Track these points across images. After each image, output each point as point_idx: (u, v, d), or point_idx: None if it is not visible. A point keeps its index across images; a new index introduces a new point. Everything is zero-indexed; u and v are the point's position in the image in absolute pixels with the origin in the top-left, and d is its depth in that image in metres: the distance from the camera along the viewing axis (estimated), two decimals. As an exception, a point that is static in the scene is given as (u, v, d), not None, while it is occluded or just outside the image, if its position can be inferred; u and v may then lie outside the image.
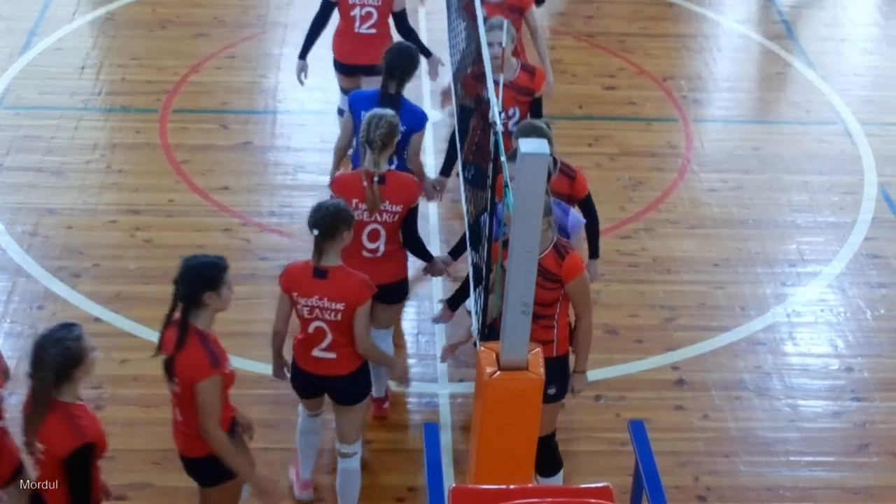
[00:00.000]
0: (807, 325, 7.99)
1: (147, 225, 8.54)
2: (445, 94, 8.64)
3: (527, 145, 4.60)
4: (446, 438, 6.92)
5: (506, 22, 7.22)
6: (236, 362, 7.21)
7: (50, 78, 10.21)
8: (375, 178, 6.40)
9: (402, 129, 6.65)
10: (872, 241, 8.75)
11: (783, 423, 7.21)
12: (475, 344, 5.68)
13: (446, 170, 7.59)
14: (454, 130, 7.40)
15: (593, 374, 7.35)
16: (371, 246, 6.56)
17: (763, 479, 6.84)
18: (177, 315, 5.45)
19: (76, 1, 11.43)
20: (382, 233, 6.52)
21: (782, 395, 7.39)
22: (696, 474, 6.84)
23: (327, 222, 5.82)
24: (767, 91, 10.60)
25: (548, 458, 6.20)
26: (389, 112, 6.54)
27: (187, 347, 5.37)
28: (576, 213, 6.42)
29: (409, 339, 7.67)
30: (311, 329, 5.99)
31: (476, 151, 6.60)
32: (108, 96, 10.01)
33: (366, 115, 6.54)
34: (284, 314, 6.09)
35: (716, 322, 7.93)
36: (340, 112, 8.78)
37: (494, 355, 5.08)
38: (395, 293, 6.75)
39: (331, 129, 8.97)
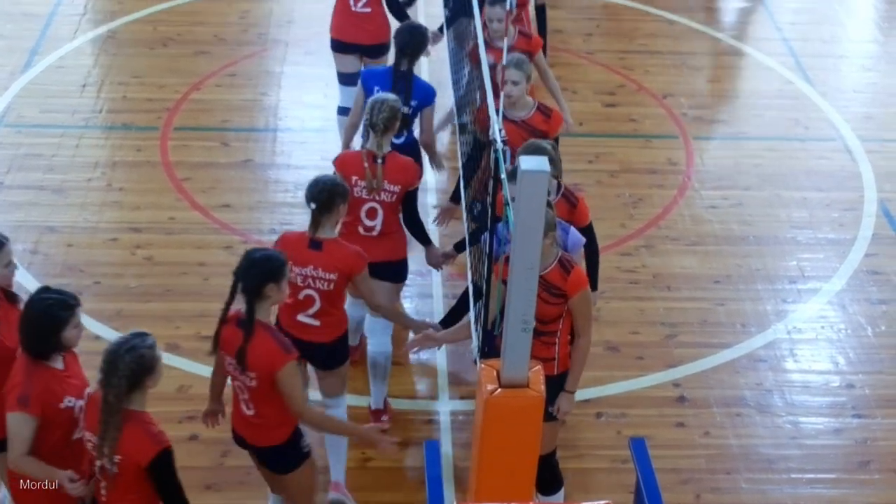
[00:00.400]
0: (807, 341, 7.99)
1: (148, 243, 8.54)
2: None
3: (527, 162, 4.61)
4: (447, 456, 6.91)
5: (522, 58, 7.16)
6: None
7: (51, 96, 10.23)
8: (378, 160, 6.64)
9: (413, 103, 7.17)
10: (873, 258, 8.75)
11: (784, 440, 7.20)
12: (475, 361, 5.68)
13: (456, 196, 7.39)
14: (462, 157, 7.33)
15: (594, 392, 7.36)
16: (369, 224, 6.78)
17: (765, 496, 6.83)
18: (232, 311, 5.56)
19: (77, 19, 11.46)
20: (380, 211, 6.74)
21: (783, 412, 7.39)
22: (697, 492, 6.83)
23: (324, 196, 6.07)
24: (767, 108, 10.61)
25: (548, 475, 6.19)
26: (392, 97, 6.81)
27: (256, 340, 5.47)
28: (576, 233, 6.42)
29: (409, 356, 7.66)
30: (301, 296, 6.19)
31: (484, 189, 6.49)
32: (109, 114, 10.03)
33: (370, 100, 6.79)
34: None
35: (716, 339, 7.93)
36: (341, 111, 8.87)
37: (495, 373, 5.07)
38: (391, 272, 6.91)
39: (331, 147, 8.98)
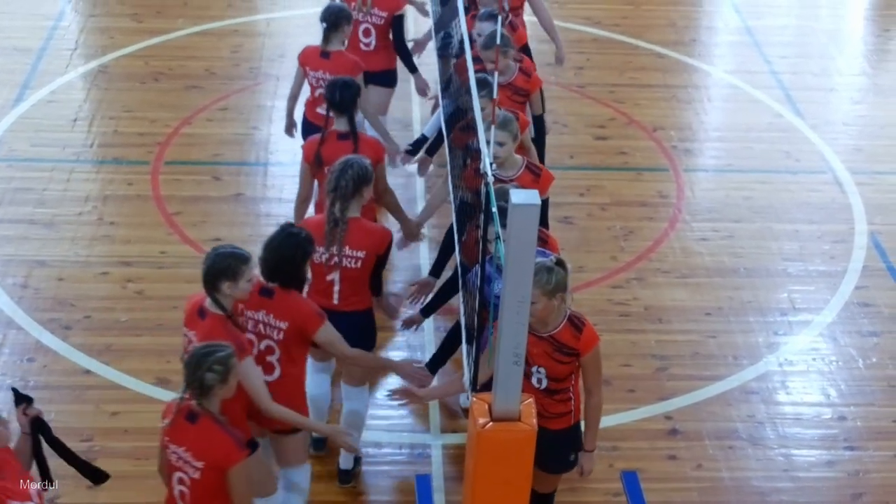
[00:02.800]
0: (799, 374, 7.98)
1: (139, 276, 8.53)
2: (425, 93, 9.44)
3: (518, 196, 4.62)
4: (439, 490, 6.88)
5: (509, 118, 6.95)
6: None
7: (42, 130, 10.24)
8: None
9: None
10: (863, 290, 8.76)
11: (777, 472, 7.18)
12: (467, 396, 5.66)
13: (437, 270, 7.34)
14: (450, 228, 7.18)
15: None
16: (365, 40, 8.78)
17: (757, 529, 6.81)
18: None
19: (69, 54, 11.48)
20: (373, 31, 8.77)
21: (776, 445, 7.38)
22: (690, 525, 6.81)
23: (332, 18, 8.02)
24: (757, 141, 10.65)
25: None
26: None
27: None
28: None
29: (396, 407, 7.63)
30: (317, 94, 8.07)
31: (470, 251, 6.37)
32: (100, 148, 10.04)
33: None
34: (297, 84, 8.44)
35: (708, 371, 7.93)
36: None
37: (487, 406, 5.06)
38: (384, 79, 8.91)
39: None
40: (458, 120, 7.35)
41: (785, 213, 9.61)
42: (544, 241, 6.57)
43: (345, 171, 6.35)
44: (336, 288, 6.45)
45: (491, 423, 5.01)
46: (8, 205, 9.25)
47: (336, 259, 6.36)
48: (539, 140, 8.30)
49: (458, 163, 7.20)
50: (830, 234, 9.36)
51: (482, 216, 5.34)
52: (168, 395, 7.40)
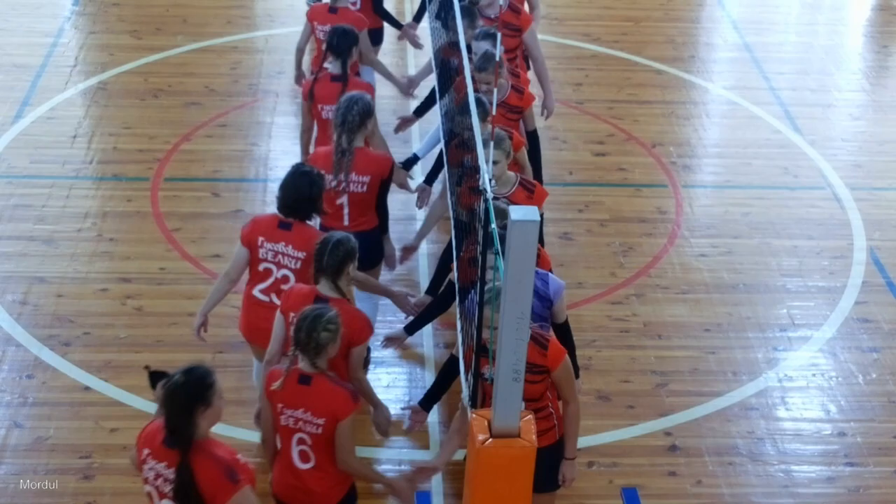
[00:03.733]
0: (799, 389, 7.98)
1: (138, 293, 8.53)
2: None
3: (517, 212, 4.62)
4: (438, 506, 6.87)
5: (501, 136, 6.96)
6: (226, 430, 7.21)
7: (42, 147, 10.25)
8: None
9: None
10: (863, 306, 8.76)
11: (777, 488, 7.17)
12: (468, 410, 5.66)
13: (433, 290, 7.36)
14: (447, 245, 7.29)
15: (585, 441, 7.32)
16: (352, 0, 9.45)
17: (757, 545, 6.80)
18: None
19: (69, 71, 11.50)
20: None
21: (776, 461, 7.37)
22: (690, 541, 6.80)
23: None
24: (756, 157, 10.67)
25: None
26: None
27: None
28: (555, 279, 6.41)
29: (400, 407, 7.63)
30: (324, 48, 8.12)
31: (468, 270, 6.38)
32: (99, 165, 10.05)
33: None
34: (304, 38, 9.21)
35: (708, 387, 7.92)
36: None
37: (486, 422, 5.06)
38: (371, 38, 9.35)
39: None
40: (454, 138, 7.37)
41: (784, 229, 9.62)
42: (529, 191, 6.75)
43: (351, 107, 7.06)
44: (345, 211, 7.17)
45: (490, 440, 5.00)
46: (7, 221, 9.26)
47: (344, 185, 7.08)
48: (534, 156, 8.31)
49: (454, 180, 7.22)
50: (829, 250, 9.37)
51: (479, 233, 5.34)
52: (167, 412, 7.40)
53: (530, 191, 7.09)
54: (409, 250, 7.88)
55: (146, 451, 4.92)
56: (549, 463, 5.91)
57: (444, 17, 8.70)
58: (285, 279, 6.51)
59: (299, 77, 9.58)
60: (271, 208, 9.52)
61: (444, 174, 7.92)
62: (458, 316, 6.31)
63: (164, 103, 11.04)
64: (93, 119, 10.75)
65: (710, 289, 8.87)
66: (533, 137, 8.33)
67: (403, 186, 8.26)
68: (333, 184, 7.04)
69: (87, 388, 7.62)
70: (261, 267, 6.58)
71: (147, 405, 7.47)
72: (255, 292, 6.66)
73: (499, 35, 6.07)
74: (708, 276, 9.01)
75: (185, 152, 10.28)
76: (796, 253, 9.34)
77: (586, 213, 9.70)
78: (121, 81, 11.40)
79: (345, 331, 5.68)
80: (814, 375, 8.09)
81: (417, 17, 10.42)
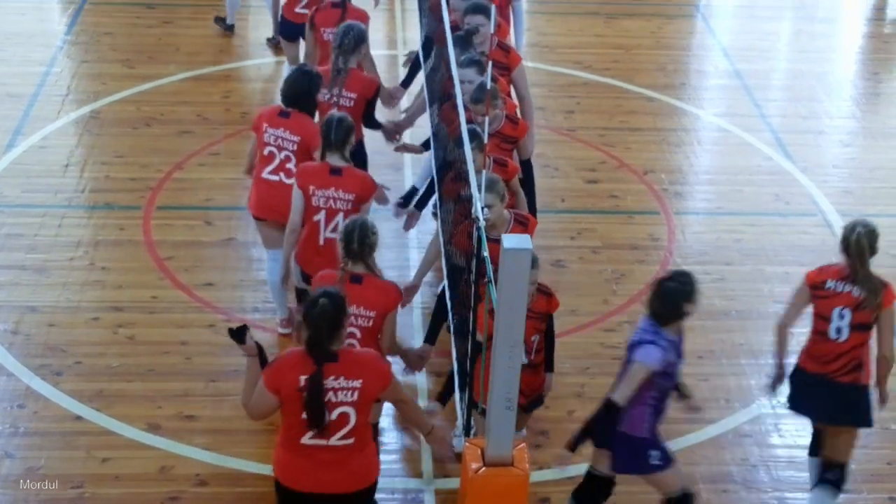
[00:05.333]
0: (792, 416, 7.92)
1: (130, 322, 8.51)
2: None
3: (509, 241, 4.63)
4: (432, 535, 6.85)
5: (494, 179, 6.96)
6: (217, 460, 7.19)
7: (34, 176, 10.25)
8: None
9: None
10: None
11: (771, 516, 7.16)
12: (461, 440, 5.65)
13: (431, 338, 7.31)
14: (441, 291, 7.34)
15: (580, 468, 7.30)
16: None
17: (752, 573, 6.77)
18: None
19: (61, 100, 11.52)
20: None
21: (770, 488, 7.35)
22: (684, 569, 6.75)
23: None
24: (747, 184, 10.69)
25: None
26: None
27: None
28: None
29: (393, 435, 7.62)
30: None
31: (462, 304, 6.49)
32: (91, 194, 10.04)
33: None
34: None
35: (701, 414, 7.89)
36: None
37: (479, 451, 5.05)
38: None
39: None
40: (448, 171, 7.39)
41: (776, 256, 9.63)
42: (549, 296, 6.78)
43: (347, 32, 8.36)
44: None
45: (484, 468, 5.00)
46: (-1, 250, 9.26)
47: (335, 99, 8.27)
48: (528, 184, 8.33)
49: (448, 217, 7.25)
50: (821, 277, 9.36)
51: (475, 262, 5.35)
52: (160, 441, 7.38)
53: (524, 225, 7.17)
54: (411, 290, 7.73)
55: (304, 377, 5.40)
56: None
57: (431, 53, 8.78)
58: (287, 159, 7.75)
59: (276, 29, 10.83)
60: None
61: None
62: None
63: (157, 132, 11.06)
64: (85, 148, 10.75)
65: (702, 316, 8.83)
66: (527, 166, 8.35)
67: (382, 201, 8.04)
68: (327, 97, 8.25)
69: (78, 418, 7.59)
70: (265, 151, 7.84)
71: (139, 435, 7.46)
72: (265, 174, 7.89)
73: (489, 64, 6.10)
74: (700, 302, 8.99)
75: (178, 181, 10.28)
76: (788, 279, 9.33)
77: (578, 240, 9.71)
78: (113, 110, 11.41)
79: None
80: (807, 402, 8.08)
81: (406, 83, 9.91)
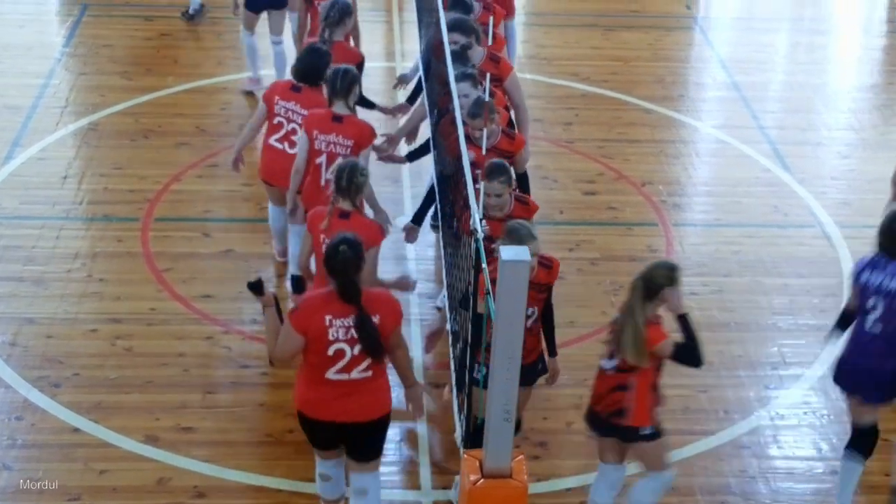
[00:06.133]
0: (791, 428, 7.96)
1: (128, 333, 8.50)
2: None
3: (507, 252, 4.63)
4: (430, 548, 6.84)
5: (500, 165, 7.19)
6: (215, 472, 7.18)
7: (32, 188, 10.24)
8: None
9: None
10: (854, 344, 8.75)
11: (770, 528, 7.15)
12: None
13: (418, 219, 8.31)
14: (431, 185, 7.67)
15: (578, 480, 7.31)
16: None
17: (751, 585, 6.76)
18: None
19: (59, 112, 11.52)
20: None
21: (768, 500, 7.34)
22: (683, 582, 6.75)
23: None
24: (746, 195, 10.69)
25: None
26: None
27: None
28: None
29: (392, 447, 7.61)
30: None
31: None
32: (89, 206, 10.04)
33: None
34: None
35: (699, 426, 7.90)
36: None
37: (478, 463, 5.05)
38: None
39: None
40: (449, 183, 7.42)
41: (774, 267, 9.63)
42: (549, 268, 6.85)
43: (333, 6, 8.98)
44: None
45: (482, 480, 4.99)
46: (-3, 262, 9.25)
47: None
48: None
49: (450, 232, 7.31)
50: (820, 288, 9.38)
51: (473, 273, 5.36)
52: (157, 453, 7.37)
53: (524, 203, 7.48)
54: (392, 140, 8.93)
55: (329, 317, 5.94)
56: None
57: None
58: (293, 132, 8.36)
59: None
60: (261, 248, 9.58)
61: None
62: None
63: (155, 144, 11.06)
64: (83, 160, 10.75)
65: (700, 327, 8.75)
66: (523, 179, 8.38)
67: (382, 153, 8.96)
68: None
69: (76, 430, 7.58)
70: (275, 120, 8.49)
71: (137, 447, 7.45)
72: (272, 141, 8.54)
73: (488, 75, 6.13)
74: (699, 314, 8.98)
75: (176, 192, 10.28)
76: (787, 291, 9.35)
77: (577, 252, 9.71)
78: (111, 122, 11.42)
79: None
80: (805, 414, 8.08)
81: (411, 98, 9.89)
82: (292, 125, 8.42)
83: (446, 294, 7.09)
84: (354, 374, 6.03)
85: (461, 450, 5.56)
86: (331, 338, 5.95)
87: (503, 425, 4.90)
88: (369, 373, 6.06)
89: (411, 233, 8.55)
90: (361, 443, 6.27)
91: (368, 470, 6.38)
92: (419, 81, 9.65)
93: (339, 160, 7.48)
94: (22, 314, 8.66)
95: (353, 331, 5.94)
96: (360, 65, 8.88)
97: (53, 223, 9.76)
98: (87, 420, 7.67)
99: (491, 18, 9.17)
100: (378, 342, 5.96)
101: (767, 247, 9.94)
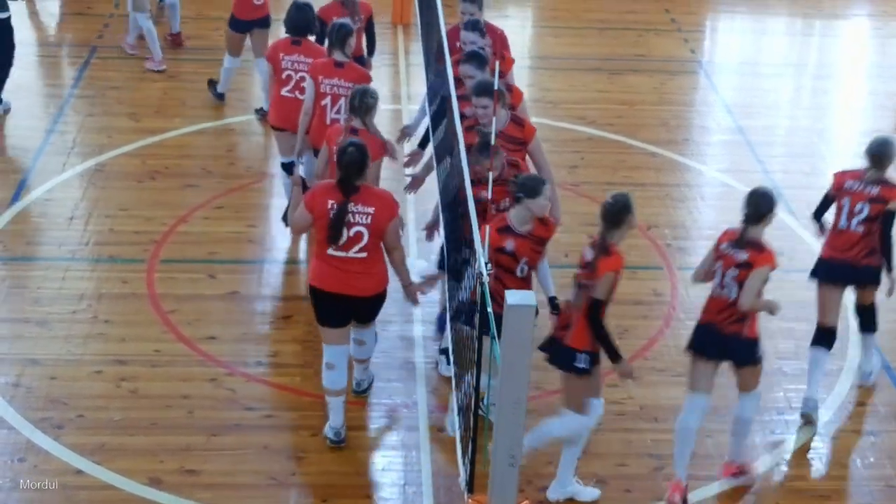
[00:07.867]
0: (797, 476, 7.92)
1: (133, 375, 8.50)
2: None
3: (512, 297, 4.63)
4: (434, 593, 6.80)
5: (487, 83, 7.87)
6: (221, 515, 7.14)
7: (39, 229, 10.27)
8: None
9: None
10: (860, 389, 8.73)
11: (776, 574, 7.11)
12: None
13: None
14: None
15: None
16: None
17: None
18: None
19: (67, 153, 11.57)
20: None
21: (774, 546, 7.31)
22: None
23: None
24: (750, 239, 10.66)
25: None
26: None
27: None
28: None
29: (395, 491, 7.58)
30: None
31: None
32: (95, 247, 10.06)
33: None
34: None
35: (705, 471, 7.86)
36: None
37: (483, 508, 5.04)
38: None
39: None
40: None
41: (779, 312, 9.59)
42: (517, 167, 7.79)
43: (334, 27, 9.26)
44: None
45: (487, 526, 4.98)
46: (1, 303, 9.25)
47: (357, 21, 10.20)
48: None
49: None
50: (825, 333, 9.34)
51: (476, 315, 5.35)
52: (161, 496, 7.35)
53: (520, 125, 8.29)
54: (415, 183, 9.23)
55: (331, 202, 7.24)
56: None
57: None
58: (302, 80, 9.46)
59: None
60: (267, 290, 9.60)
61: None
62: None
63: (161, 185, 11.09)
64: (90, 201, 10.78)
65: (706, 371, 8.82)
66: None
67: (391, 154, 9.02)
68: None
69: (79, 472, 7.56)
70: (283, 75, 9.65)
71: (140, 489, 7.42)
72: (283, 92, 9.69)
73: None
74: (704, 358, 8.97)
75: (182, 234, 10.31)
76: (792, 335, 9.33)
77: (582, 295, 9.67)
78: (118, 163, 11.46)
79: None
80: (811, 459, 8.05)
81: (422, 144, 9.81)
82: (300, 74, 9.55)
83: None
84: (352, 253, 7.28)
85: (465, 495, 5.54)
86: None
87: (508, 470, 4.89)
88: (364, 254, 7.29)
89: (415, 157, 9.46)
90: (362, 311, 7.59)
91: (367, 328, 7.81)
92: (428, 129, 9.66)
93: (343, 102, 8.90)
94: (26, 355, 8.65)
95: (349, 215, 7.20)
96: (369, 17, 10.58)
97: (59, 264, 9.78)
98: (90, 462, 7.65)
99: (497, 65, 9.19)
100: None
101: (772, 291, 9.84)
